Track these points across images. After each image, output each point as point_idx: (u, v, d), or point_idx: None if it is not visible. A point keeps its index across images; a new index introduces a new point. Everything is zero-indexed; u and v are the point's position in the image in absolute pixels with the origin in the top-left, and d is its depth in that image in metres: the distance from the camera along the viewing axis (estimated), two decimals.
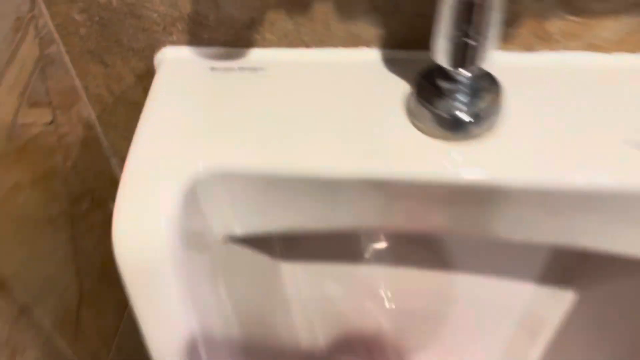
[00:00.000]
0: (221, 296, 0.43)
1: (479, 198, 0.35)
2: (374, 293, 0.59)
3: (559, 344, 0.54)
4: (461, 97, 0.35)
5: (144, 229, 0.34)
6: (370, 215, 0.38)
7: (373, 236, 0.56)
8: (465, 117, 0.35)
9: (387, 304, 0.59)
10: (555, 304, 0.54)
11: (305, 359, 0.59)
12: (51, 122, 0.42)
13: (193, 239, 0.37)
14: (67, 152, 0.44)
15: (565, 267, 0.53)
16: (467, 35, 0.31)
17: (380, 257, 0.56)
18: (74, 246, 0.45)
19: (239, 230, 0.40)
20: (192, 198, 0.36)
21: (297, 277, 0.56)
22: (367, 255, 0.57)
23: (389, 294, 0.58)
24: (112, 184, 0.49)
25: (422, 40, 0.35)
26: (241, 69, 0.42)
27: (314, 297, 0.58)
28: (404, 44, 0.40)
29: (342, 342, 0.61)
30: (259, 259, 0.51)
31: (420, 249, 0.55)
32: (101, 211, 0.49)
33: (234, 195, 0.37)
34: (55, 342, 0.43)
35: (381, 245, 0.57)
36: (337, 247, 0.56)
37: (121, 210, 0.34)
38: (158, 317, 0.36)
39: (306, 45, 0.41)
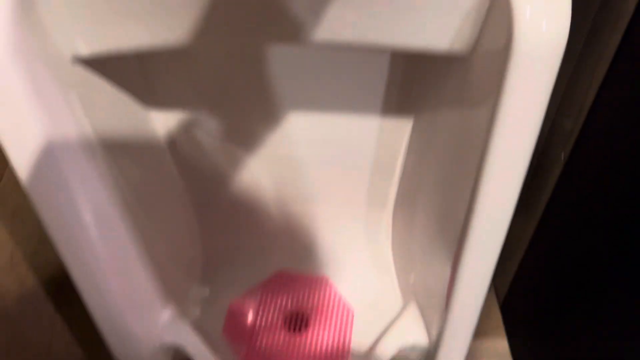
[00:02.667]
0: (81, 121, 0.47)
1: None
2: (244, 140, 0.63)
3: (406, 169, 0.63)
4: None
5: None
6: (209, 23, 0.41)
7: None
8: None
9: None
10: (397, 134, 0.62)
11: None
12: None
13: (31, 50, 0.38)
14: None
15: (402, 100, 0.60)
16: None
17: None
18: None
19: (84, 49, 0.42)
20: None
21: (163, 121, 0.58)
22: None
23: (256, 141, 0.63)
24: None
25: None
26: None
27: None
28: None
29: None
30: (121, 97, 0.54)
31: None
32: None
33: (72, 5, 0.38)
34: None
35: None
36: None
37: None
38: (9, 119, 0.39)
39: None
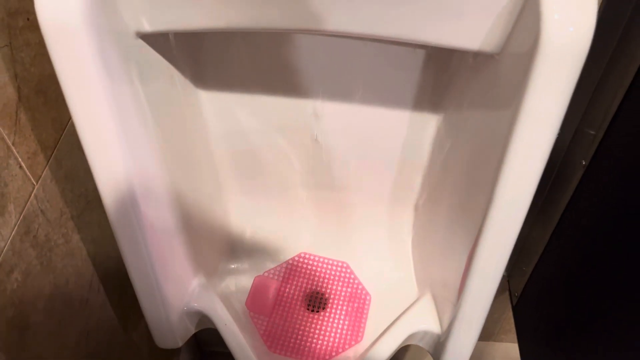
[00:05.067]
0: (137, 91, 0.51)
1: None
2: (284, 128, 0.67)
3: (432, 164, 0.66)
4: None
5: None
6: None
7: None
8: None
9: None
10: (426, 125, 0.64)
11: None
12: None
13: (104, 17, 0.41)
14: None
15: (432, 97, 0.63)
16: None
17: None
18: (11, 51, 0.52)
19: (148, 26, 0.46)
20: None
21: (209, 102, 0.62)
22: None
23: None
24: None
25: None
26: None
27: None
28: None
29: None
30: (170, 72, 0.58)
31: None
32: (37, 33, 0.55)
33: None
34: None
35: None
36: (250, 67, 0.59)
37: None
38: (78, 82, 0.44)
39: None
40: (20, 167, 0.50)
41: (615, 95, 0.53)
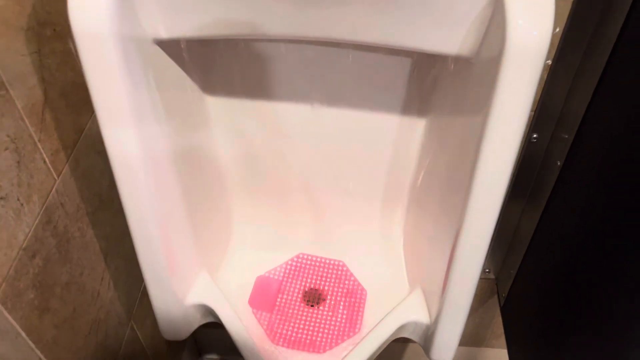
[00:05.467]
0: (154, 95, 0.57)
1: None
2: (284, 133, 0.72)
3: (420, 167, 0.71)
4: None
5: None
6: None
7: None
8: None
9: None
10: (413, 130, 0.70)
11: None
12: None
13: (127, 25, 0.47)
14: None
15: (418, 102, 0.68)
16: None
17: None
18: (39, 58, 0.57)
19: (164, 32, 0.53)
20: None
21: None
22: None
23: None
24: (68, 26, 0.62)
25: None
26: None
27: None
28: None
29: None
30: (182, 76, 0.63)
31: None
32: (62, 43, 0.61)
33: None
34: (26, 126, 0.56)
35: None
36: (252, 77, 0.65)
37: None
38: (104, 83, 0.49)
39: None
40: (44, 162, 0.55)
41: (583, 104, 0.58)
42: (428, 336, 0.67)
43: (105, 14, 0.44)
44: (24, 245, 0.52)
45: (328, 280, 0.75)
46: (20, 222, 0.52)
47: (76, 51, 0.61)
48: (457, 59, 0.54)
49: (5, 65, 0.49)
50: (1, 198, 0.49)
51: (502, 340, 1.04)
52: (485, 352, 1.07)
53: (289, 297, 0.73)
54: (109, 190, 0.70)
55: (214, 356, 1.17)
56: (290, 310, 0.72)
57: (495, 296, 0.94)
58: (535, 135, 0.67)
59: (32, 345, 0.54)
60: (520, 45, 0.42)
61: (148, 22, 0.48)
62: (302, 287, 0.74)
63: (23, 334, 0.53)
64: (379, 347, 0.65)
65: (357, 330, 0.69)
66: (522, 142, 0.69)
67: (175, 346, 1.03)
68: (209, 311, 0.69)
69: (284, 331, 0.70)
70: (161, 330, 0.68)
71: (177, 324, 0.68)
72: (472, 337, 1.04)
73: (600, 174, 0.60)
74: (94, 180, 0.66)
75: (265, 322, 0.71)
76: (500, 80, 0.43)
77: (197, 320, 0.70)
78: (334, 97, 0.64)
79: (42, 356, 0.56)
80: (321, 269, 0.76)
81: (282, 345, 0.69)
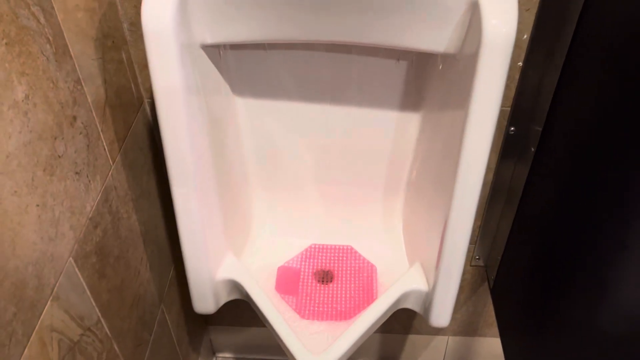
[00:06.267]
0: (199, 88, 0.68)
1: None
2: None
3: (416, 159, 0.82)
4: None
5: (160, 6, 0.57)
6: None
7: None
8: None
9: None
10: (410, 125, 0.81)
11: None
12: None
13: (183, 31, 0.59)
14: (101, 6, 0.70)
15: (413, 99, 0.80)
16: None
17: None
18: (103, 63, 0.68)
19: (210, 38, 0.66)
20: (185, 4, 0.58)
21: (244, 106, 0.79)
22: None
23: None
24: (123, 41, 0.74)
25: None
26: None
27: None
28: None
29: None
30: (220, 82, 0.76)
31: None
32: (117, 53, 0.73)
33: (208, 8, 0.60)
34: (94, 116, 0.66)
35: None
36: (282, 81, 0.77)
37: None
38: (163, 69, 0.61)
39: None
40: (105, 149, 0.66)
41: (548, 99, 0.71)
42: (427, 304, 0.77)
43: (167, 18, 0.56)
44: (90, 215, 0.63)
45: (340, 262, 0.85)
46: (88, 196, 0.62)
47: (128, 60, 0.74)
48: (445, 58, 0.66)
49: (81, 65, 0.60)
50: (77, 173, 0.59)
51: (495, 329, 1.14)
52: (479, 341, 1.16)
53: (309, 280, 0.83)
54: (147, 183, 0.81)
55: (228, 354, 1.25)
56: (311, 291, 0.82)
57: (486, 283, 1.04)
58: (512, 128, 0.79)
59: (93, 303, 0.64)
60: (493, 40, 0.54)
61: (197, 28, 0.60)
62: (319, 270, 0.84)
63: (87, 291, 0.62)
64: (388, 309, 0.75)
65: (374, 297, 0.79)
66: (501, 134, 0.81)
67: (195, 339, 1.12)
68: (236, 287, 0.78)
69: (310, 308, 0.80)
70: (194, 304, 0.78)
71: (207, 298, 0.77)
72: (466, 327, 1.13)
73: (567, 157, 0.72)
74: (137, 171, 0.77)
75: (293, 304, 0.80)
76: (479, 67, 0.55)
77: (224, 297, 0.80)
78: (341, 97, 0.76)
79: (99, 314, 0.65)
80: (334, 254, 0.86)
81: (310, 319, 0.78)
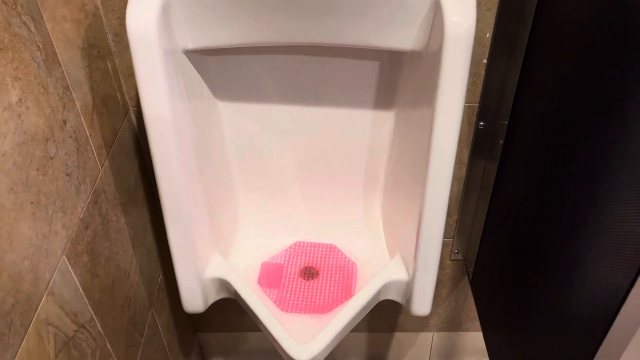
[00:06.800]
0: (183, 92, 0.72)
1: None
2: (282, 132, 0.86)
3: (392, 156, 0.86)
4: None
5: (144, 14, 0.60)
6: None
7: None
8: None
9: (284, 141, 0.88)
10: (385, 123, 0.85)
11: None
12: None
13: (166, 37, 0.62)
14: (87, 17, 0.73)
15: (386, 98, 0.84)
16: None
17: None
18: (90, 71, 0.71)
19: (191, 43, 0.69)
20: (167, 11, 0.61)
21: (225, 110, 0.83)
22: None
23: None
24: (108, 50, 0.78)
25: None
26: None
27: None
28: None
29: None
30: (202, 86, 0.79)
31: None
32: (103, 62, 0.76)
33: (189, 14, 0.63)
34: (82, 121, 0.69)
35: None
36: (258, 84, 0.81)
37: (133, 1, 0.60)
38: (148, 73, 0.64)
39: None
40: (93, 153, 0.69)
41: (511, 95, 0.76)
42: (408, 295, 0.80)
43: (151, 24, 0.59)
44: (81, 216, 0.65)
45: (323, 259, 0.88)
46: (79, 197, 0.65)
47: (113, 70, 0.77)
48: (413, 57, 0.71)
49: (69, 73, 0.63)
50: (68, 174, 0.62)
51: (477, 323, 1.17)
52: (464, 335, 1.20)
53: (291, 276, 0.86)
54: (135, 188, 0.84)
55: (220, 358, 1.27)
56: (293, 286, 0.85)
57: (466, 277, 1.08)
58: (482, 123, 0.83)
59: (86, 301, 0.66)
60: (455, 35, 0.59)
61: (179, 33, 0.64)
62: (302, 267, 0.87)
63: (80, 289, 0.65)
64: (369, 302, 0.78)
65: (352, 294, 0.82)
66: (472, 130, 0.86)
67: (185, 344, 1.14)
68: (224, 285, 0.81)
69: (291, 301, 0.83)
70: (183, 303, 0.80)
71: (196, 297, 0.80)
72: (449, 322, 1.17)
73: (532, 149, 0.76)
74: (125, 177, 0.80)
75: (274, 297, 0.83)
76: (443, 61, 0.60)
77: (213, 296, 0.82)
78: (319, 99, 0.80)
79: (92, 312, 0.68)
80: (316, 252, 0.89)
81: (291, 312, 0.81)
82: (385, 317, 1.17)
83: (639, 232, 0.49)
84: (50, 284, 0.57)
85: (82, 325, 0.65)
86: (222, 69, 0.76)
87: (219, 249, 0.84)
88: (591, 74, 0.58)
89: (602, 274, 0.60)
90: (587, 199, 0.62)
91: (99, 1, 0.73)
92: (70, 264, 0.62)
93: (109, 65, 0.76)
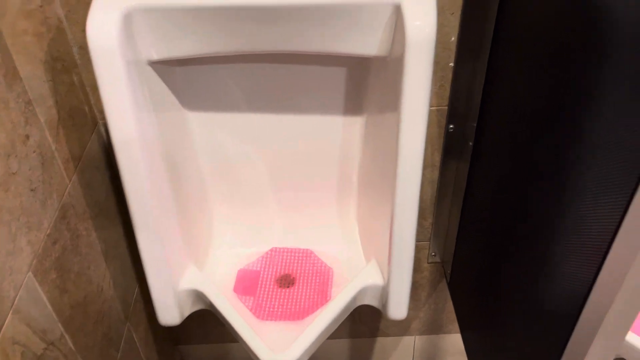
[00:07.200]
0: (148, 104, 0.71)
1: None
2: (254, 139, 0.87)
3: (364, 161, 0.86)
4: None
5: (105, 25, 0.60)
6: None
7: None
8: None
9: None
10: (354, 128, 0.86)
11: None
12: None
13: (129, 48, 0.62)
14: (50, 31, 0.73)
15: (355, 104, 0.85)
16: None
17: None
18: (54, 85, 0.71)
19: (155, 54, 0.69)
20: (129, 22, 0.61)
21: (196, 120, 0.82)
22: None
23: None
24: (73, 64, 0.77)
25: None
26: None
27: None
28: None
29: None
30: (167, 94, 0.77)
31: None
32: (68, 76, 0.75)
33: (152, 25, 0.63)
34: (47, 136, 0.68)
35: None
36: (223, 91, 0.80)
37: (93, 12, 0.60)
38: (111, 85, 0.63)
39: None
40: (60, 167, 0.68)
41: (478, 98, 0.76)
42: (384, 299, 0.81)
43: (112, 36, 0.59)
44: (48, 232, 0.64)
45: (300, 265, 0.88)
46: (45, 212, 0.64)
47: (79, 83, 0.77)
48: (378, 62, 0.71)
49: (32, 87, 0.63)
50: (32, 190, 0.61)
51: (457, 324, 1.18)
52: (445, 338, 1.20)
53: (268, 282, 0.86)
54: (106, 201, 0.83)
55: None
56: (269, 293, 0.85)
57: (444, 280, 1.08)
58: (451, 126, 0.84)
59: (55, 317, 0.65)
60: (417, 39, 0.59)
61: (142, 44, 0.64)
62: (278, 273, 0.87)
63: (49, 306, 0.64)
64: (345, 307, 0.78)
65: (328, 299, 0.82)
66: (442, 133, 0.86)
67: (165, 357, 1.12)
68: (199, 296, 0.80)
69: (267, 309, 0.82)
70: (158, 316, 0.79)
71: (171, 309, 0.79)
72: (430, 325, 1.17)
73: (500, 149, 0.77)
74: (95, 190, 0.79)
75: (250, 304, 0.83)
76: (406, 65, 0.60)
77: (189, 307, 0.82)
78: (288, 106, 0.80)
79: (62, 329, 0.67)
80: (293, 258, 0.89)
81: (267, 319, 0.81)
82: (366, 322, 1.17)
83: (599, 229, 0.50)
84: (15, 302, 0.56)
85: (52, 343, 0.64)
86: (190, 79, 0.76)
87: (193, 260, 0.83)
88: (553, 73, 0.59)
89: (568, 270, 0.60)
90: (552, 197, 0.63)
91: (62, 14, 0.72)
92: (37, 281, 0.61)
93: (74, 78, 0.75)
